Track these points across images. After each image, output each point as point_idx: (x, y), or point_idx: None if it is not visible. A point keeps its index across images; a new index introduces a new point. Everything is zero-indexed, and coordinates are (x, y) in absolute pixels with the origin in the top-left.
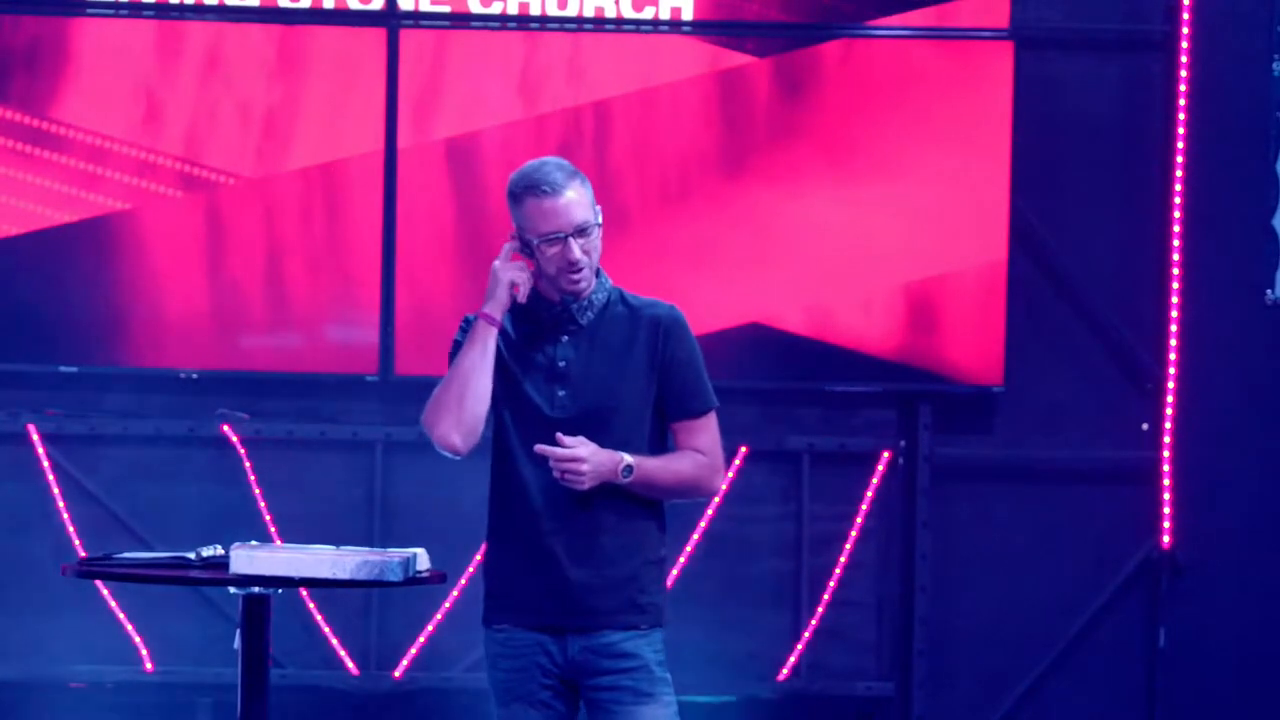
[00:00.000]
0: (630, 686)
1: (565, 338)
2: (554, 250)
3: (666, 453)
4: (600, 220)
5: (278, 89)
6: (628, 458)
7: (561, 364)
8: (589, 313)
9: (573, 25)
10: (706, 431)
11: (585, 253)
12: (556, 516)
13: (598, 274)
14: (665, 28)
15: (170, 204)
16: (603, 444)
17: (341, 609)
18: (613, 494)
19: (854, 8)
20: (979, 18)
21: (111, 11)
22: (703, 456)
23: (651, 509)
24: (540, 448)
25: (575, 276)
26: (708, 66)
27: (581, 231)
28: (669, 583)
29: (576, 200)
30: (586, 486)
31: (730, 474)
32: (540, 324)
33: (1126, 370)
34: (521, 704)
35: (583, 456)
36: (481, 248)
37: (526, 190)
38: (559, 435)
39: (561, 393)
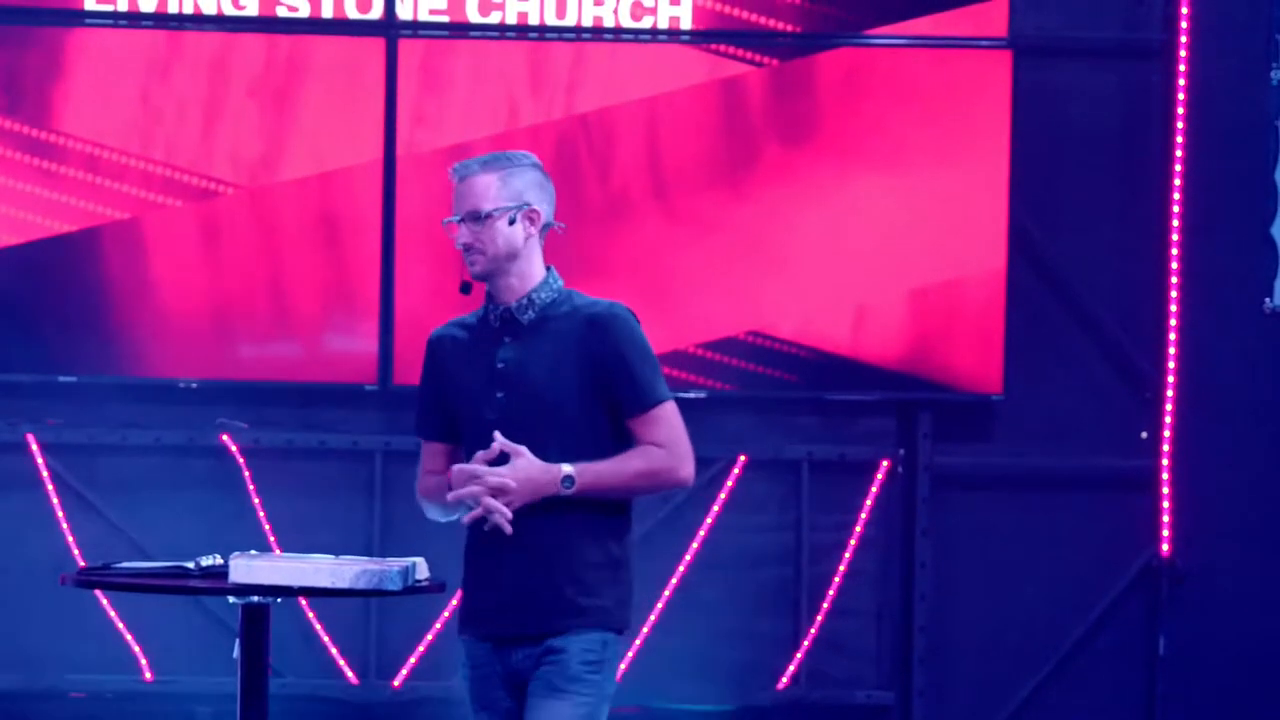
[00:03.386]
0: (545, 679)
1: (508, 339)
2: (453, 233)
3: (621, 452)
4: (525, 212)
5: (277, 98)
6: (567, 468)
7: (500, 365)
8: (530, 312)
9: (571, 35)
10: (661, 424)
11: (476, 238)
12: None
13: (548, 275)
14: (664, 37)
15: (169, 214)
16: (543, 445)
17: (341, 618)
18: (554, 499)
19: (853, 17)
20: (978, 27)
21: (110, 22)
22: (659, 450)
23: (602, 510)
24: (466, 491)
25: (467, 260)
26: (706, 76)
27: (474, 217)
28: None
29: (477, 187)
30: (517, 506)
31: (729, 483)
32: (487, 324)
33: (1126, 378)
34: (486, 712)
35: (509, 486)
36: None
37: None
38: (483, 453)
39: (500, 394)
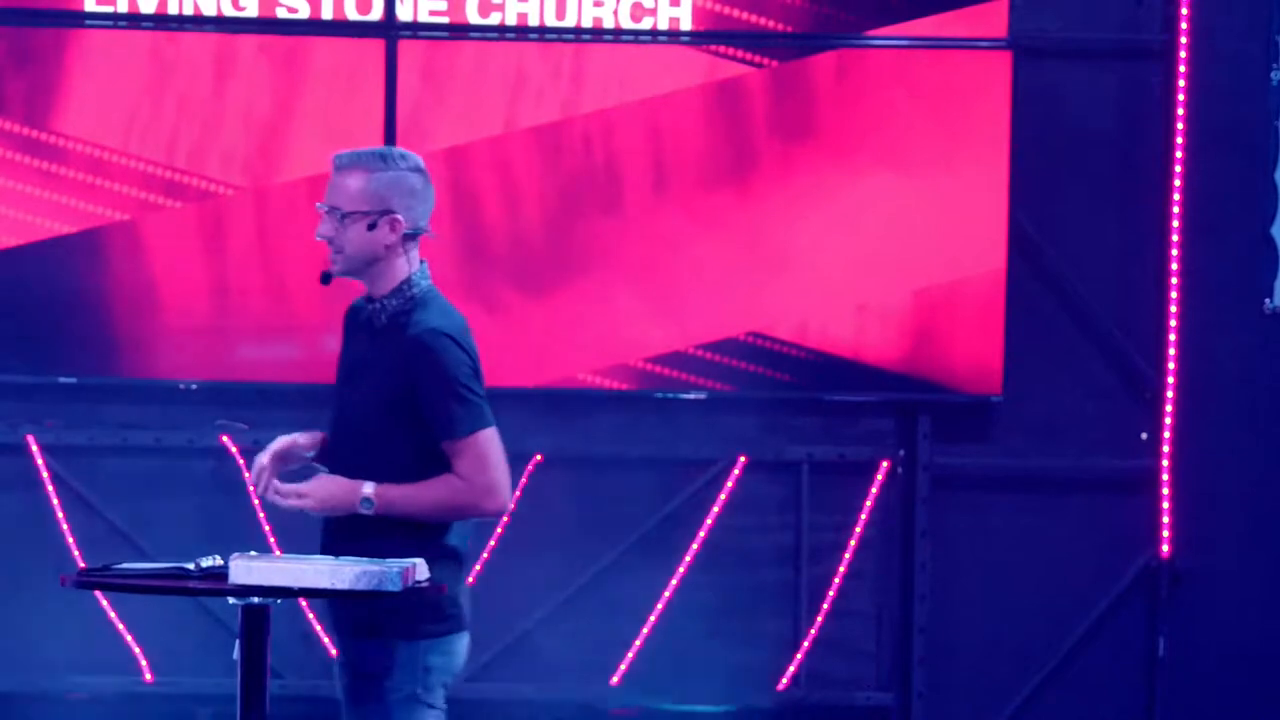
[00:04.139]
0: (344, 691)
1: (365, 338)
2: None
3: (425, 479)
4: (387, 219)
5: (277, 99)
6: (367, 489)
7: (352, 362)
8: (381, 317)
9: (570, 36)
10: (465, 456)
11: (336, 234)
12: (326, 529)
13: (409, 282)
14: (664, 38)
15: (169, 214)
16: (358, 452)
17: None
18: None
19: (853, 18)
20: (977, 27)
21: (110, 23)
22: (460, 482)
23: (405, 524)
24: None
25: (330, 254)
26: (706, 77)
27: (335, 214)
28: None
29: (345, 183)
30: (320, 514)
31: (729, 483)
32: (357, 321)
33: (1125, 379)
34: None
35: (305, 493)
36: (480, 256)
37: None
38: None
39: (344, 391)
